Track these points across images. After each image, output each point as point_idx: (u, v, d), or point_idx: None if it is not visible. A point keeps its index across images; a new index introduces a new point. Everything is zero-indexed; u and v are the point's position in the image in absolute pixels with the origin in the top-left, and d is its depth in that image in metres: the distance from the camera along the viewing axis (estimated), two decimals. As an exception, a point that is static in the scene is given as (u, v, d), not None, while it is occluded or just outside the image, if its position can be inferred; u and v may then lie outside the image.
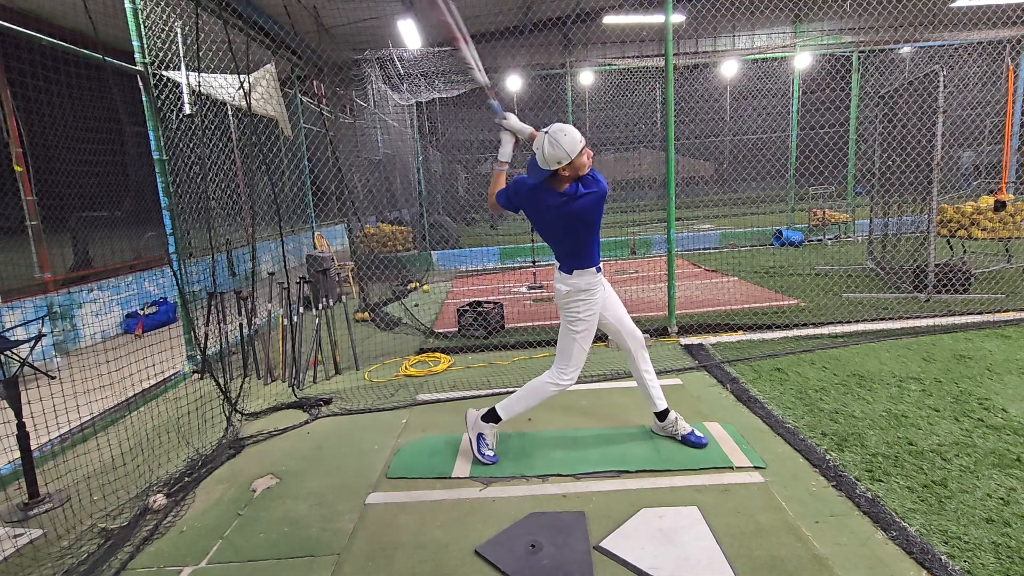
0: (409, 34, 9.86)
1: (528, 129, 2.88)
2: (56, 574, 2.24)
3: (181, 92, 4.44)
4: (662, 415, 3.04)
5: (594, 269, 2.81)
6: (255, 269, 4.33)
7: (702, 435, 3.01)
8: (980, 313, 5.07)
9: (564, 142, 2.52)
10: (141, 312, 6.48)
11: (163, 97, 4.50)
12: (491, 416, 2.96)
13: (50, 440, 3.33)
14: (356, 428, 3.53)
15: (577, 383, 3.94)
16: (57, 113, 5.96)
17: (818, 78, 13.19)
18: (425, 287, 8.20)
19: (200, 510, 2.69)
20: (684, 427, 3.03)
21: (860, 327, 4.89)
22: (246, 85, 4.41)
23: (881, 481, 2.56)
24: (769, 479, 2.65)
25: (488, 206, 3.05)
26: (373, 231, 8.98)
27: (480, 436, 2.97)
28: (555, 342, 3.01)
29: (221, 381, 3.73)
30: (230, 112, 6.32)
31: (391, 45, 8.37)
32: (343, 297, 7.31)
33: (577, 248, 2.77)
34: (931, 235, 5.62)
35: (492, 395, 3.86)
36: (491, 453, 2.95)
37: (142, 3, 4.33)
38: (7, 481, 3.03)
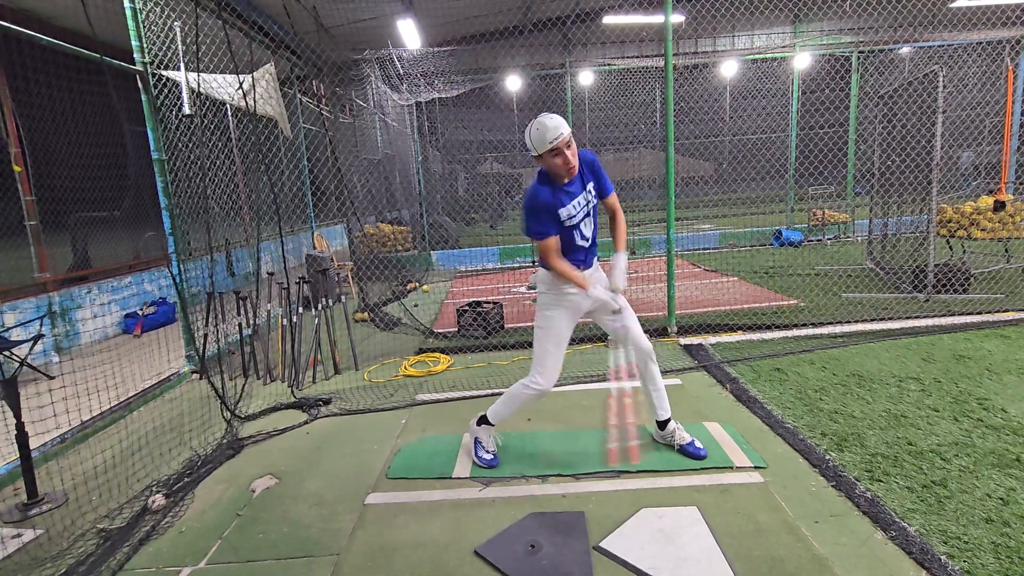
0: (409, 34, 9.86)
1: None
2: (55, 574, 2.24)
3: (181, 92, 4.44)
4: (663, 424, 2.99)
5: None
6: (259, 269, 4.33)
7: (701, 446, 2.92)
8: (980, 313, 5.06)
9: (533, 135, 2.50)
10: (140, 312, 6.48)
11: (163, 97, 4.49)
12: (484, 420, 2.96)
13: (50, 440, 3.33)
14: (356, 428, 3.52)
15: (577, 383, 3.98)
16: (56, 113, 5.96)
17: (818, 78, 13.18)
18: (425, 287, 8.19)
19: (199, 510, 2.69)
20: (684, 437, 2.95)
21: (860, 327, 4.88)
22: (246, 85, 4.42)
23: (881, 481, 2.56)
24: (769, 479, 2.65)
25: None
26: (373, 231, 8.99)
27: (476, 440, 2.98)
28: None
29: (220, 382, 3.73)
30: (230, 112, 6.32)
31: (391, 45, 8.37)
32: (343, 297, 7.31)
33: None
34: (931, 235, 5.62)
35: (492, 395, 3.85)
36: (489, 456, 2.93)
37: (142, 3, 4.33)
38: (6, 481, 3.03)
